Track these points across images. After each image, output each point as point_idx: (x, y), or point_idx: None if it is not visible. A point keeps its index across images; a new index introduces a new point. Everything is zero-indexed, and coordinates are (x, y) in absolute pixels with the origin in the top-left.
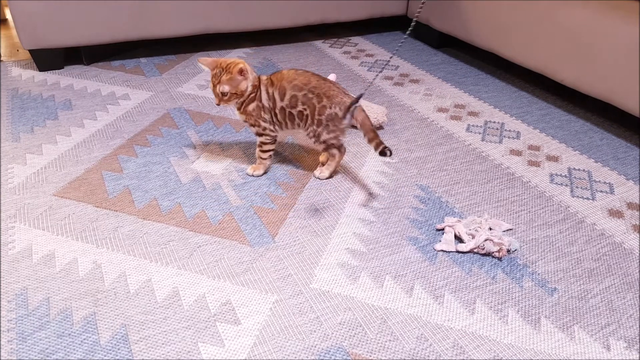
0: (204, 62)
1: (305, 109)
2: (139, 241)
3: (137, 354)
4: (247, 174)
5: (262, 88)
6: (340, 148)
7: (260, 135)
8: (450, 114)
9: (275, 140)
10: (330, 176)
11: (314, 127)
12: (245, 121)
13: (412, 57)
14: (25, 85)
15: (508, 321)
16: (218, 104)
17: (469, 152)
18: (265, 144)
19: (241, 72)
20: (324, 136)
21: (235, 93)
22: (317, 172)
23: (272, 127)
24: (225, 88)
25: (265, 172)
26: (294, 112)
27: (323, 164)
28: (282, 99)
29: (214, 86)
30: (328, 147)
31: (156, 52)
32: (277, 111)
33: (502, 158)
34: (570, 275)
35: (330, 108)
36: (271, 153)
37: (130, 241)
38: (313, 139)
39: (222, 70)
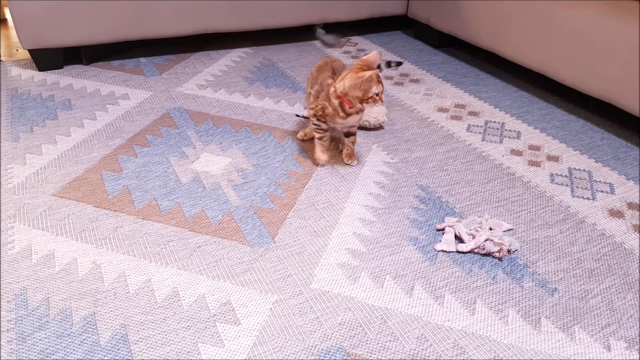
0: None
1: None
2: (138, 241)
3: (136, 354)
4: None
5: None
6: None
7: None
8: (451, 114)
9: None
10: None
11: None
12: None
13: (412, 57)
14: (25, 85)
15: (508, 321)
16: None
17: (469, 152)
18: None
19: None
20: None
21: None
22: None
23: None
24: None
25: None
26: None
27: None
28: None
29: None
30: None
31: (156, 52)
32: None
33: (503, 158)
34: (571, 275)
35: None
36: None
37: (130, 241)
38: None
39: None
